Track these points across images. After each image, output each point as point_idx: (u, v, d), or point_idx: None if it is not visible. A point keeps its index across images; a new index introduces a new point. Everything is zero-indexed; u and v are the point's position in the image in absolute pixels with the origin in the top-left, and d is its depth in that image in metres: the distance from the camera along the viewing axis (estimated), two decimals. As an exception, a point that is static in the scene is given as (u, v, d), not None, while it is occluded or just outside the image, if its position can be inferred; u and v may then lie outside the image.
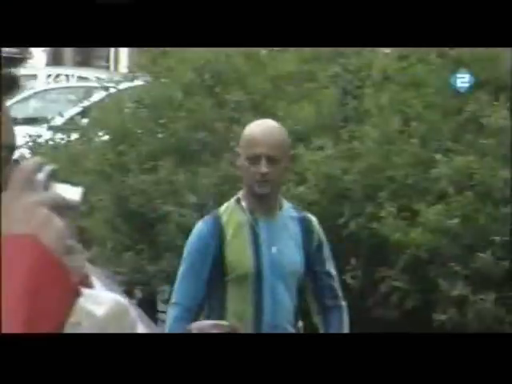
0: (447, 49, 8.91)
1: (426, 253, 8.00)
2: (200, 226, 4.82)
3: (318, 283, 4.85)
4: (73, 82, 24.53)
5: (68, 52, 31.70)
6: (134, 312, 4.96)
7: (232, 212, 4.77)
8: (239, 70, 11.39)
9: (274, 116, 9.41)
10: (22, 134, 11.31)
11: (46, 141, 13.06)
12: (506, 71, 9.17)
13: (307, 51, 11.15)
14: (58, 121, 15.17)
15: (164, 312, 11.29)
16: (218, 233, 4.69)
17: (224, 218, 4.74)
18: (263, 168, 4.55)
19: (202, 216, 9.80)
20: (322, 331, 4.93)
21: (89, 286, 3.77)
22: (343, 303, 4.90)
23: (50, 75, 25.62)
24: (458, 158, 8.45)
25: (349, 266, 8.36)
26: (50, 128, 14.25)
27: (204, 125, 10.75)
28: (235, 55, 11.40)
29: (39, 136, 13.10)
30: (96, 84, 15.69)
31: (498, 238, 7.94)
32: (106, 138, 12.62)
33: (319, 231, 4.88)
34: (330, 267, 4.88)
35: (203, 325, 5.16)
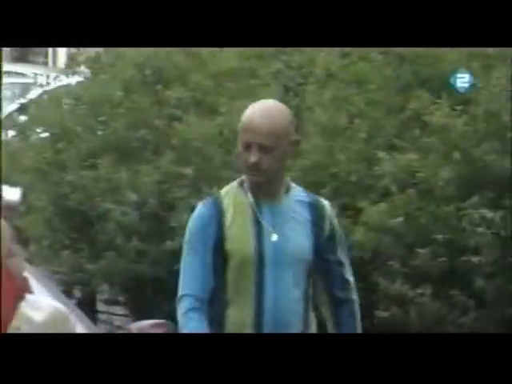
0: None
1: (368, 252, 7.99)
2: (199, 209, 4.51)
3: (328, 273, 4.60)
4: (10, 79, 22.56)
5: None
6: (74, 319, 5.20)
7: (233, 195, 4.50)
8: (180, 66, 11.30)
9: (215, 113, 10.13)
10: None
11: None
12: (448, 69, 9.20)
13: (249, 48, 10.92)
14: (-5, 118, 14.94)
15: (104, 312, 11.89)
16: (218, 216, 4.44)
17: (225, 201, 4.48)
18: (252, 157, 4.27)
19: (141, 215, 10.14)
20: (331, 325, 4.57)
21: (28, 289, 3.35)
22: (355, 297, 4.64)
23: (-16, 71, 24.61)
24: (401, 155, 8.42)
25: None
26: (-15, 125, 13.96)
27: (144, 122, 10.67)
28: (175, 52, 11.32)
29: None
30: (33, 80, 15.90)
31: (439, 237, 7.91)
32: (45, 135, 12.41)
33: (332, 217, 4.58)
34: (342, 256, 4.63)
35: (143, 325, 5.34)
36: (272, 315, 4.42)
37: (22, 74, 23.10)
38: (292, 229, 4.44)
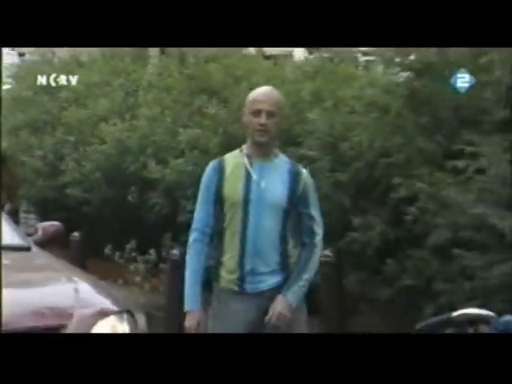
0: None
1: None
2: (209, 166, 5.09)
3: (299, 222, 5.01)
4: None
5: None
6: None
7: (234, 156, 5.07)
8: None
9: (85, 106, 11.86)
10: None
11: None
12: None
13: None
14: None
15: (24, 218, 12.94)
16: (219, 171, 4.99)
17: (227, 161, 5.03)
18: (262, 120, 4.85)
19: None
20: (295, 264, 5.00)
21: None
22: (318, 244, 5.01)
23: None
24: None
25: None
26: None
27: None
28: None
29: None
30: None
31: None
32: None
33: (307, 179, 5.04)
34: (314, 211, 5.02)
35: (45, 224, 6.94)
36: (253, 245, 4.89)
37: None
38: (274, 181, 4.96)
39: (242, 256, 4.87)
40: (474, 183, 6.59)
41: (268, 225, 4.90)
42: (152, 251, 8.48)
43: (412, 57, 7.92)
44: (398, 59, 8.03)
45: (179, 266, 7.36)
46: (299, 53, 13.24)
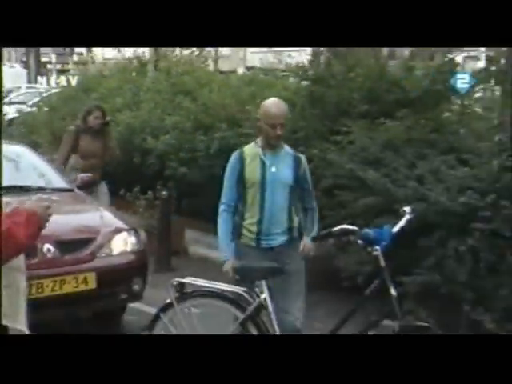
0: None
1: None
2: (233, 156, 4.59)
3: (302, 194, 4.62)
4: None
5: None
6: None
7: (251, 148, 4.57)
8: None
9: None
10: None
11: None
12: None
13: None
14: None
15: None
16: (241, 160, 4.51)
17: (246, 152, 4.54)
18: (278, 131, 4.41)
19: None
20: (302, 223, 4.65)
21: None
22: (315, 206, 4.67)
23: None
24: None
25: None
26: None
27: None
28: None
29: None
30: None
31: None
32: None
33: (305, 163, 4.64)
34: (310, 186, 4.66)
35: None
36: (269, 211, 4.48)
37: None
38: (282, 167, 4.52)
39: (260, 221, 4.49)
40: (347, 150, 6.53)
41: (279, 198, 4.51)
42: (150, 192, 8.25)
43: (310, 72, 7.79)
44: (300, 73, 7.94)
45: (166, 201, 7.96)
46: (241, 69, 13.39)
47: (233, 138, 7.89)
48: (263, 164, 4.49)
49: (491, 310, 4.97)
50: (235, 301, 4.20)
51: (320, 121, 7.13)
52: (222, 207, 4.53)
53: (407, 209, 4.37)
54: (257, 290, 4.15)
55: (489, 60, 7.58)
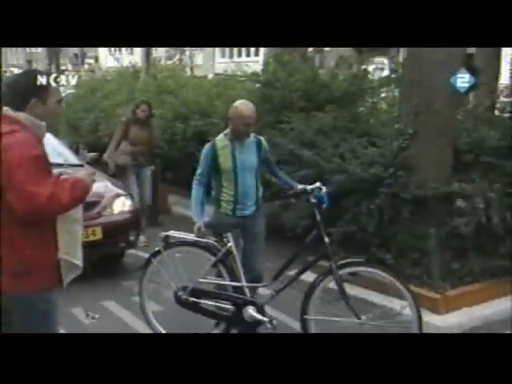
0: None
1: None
2: (207, 146, 4.23)
3: (269, 166, 4.39)
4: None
5: None
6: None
7: (221, 140, 4.20)
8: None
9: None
10: None
11: None
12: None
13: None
14: None
15: None
16: (213, 151, 4.17)
17: (218, 144, 4.18)
18: (249, 129, 4.12)
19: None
20: (278, 181, 4.44)
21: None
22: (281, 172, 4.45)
23: None
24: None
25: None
26: None
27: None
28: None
29: None
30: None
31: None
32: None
33: (265, 143, 4.34)
34: (271, 159, 4.44)
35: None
36: (242, 191, 4.18)
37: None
38: (248, 154, 4.20)
39: (235, 197, 4.21)
40: (288, 135, 6.45)
41: (248, 179, 4.22)
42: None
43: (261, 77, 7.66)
44: (254, 78, 7.81)
45: (155, 173, 7.45)
46: (211, 75, 13.18)
47: (203, 125, 7.76)
48: (233, 155, 4.18)
49: (391, 250, 5.07)
50: (208, 248, 4.11)
51: (269, 114, 6.99)
52: (195, 180, 4.27)
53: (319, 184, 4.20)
54: (224, 240, 4.07)
55: (391, 70, 7.50)
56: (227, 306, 4.00)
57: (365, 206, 5.13)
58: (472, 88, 7.12)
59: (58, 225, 2.49)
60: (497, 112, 6.46)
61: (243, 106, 4.15)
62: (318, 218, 3.95)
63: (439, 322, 4.07)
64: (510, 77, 9.65)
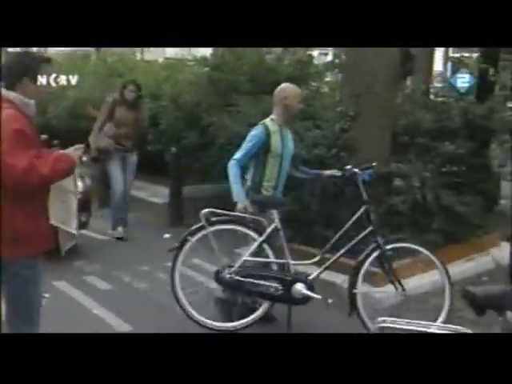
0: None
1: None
2: (259, 129, 4.11)
3: (295, 160, 4.36)
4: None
5: None
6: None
7: (272, 124, 4.10)
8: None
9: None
10: None
11: None
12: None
13: None
14: None
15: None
16: (267, 133, 4.06)
17: (269, 127, 4.09)
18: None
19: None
20: (301, 173, 4.43)
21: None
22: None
23: None
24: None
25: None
26: None
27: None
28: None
29: None
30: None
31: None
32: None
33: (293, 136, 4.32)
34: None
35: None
36: (282, 177, 4.17)
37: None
38: (290, 141, 4.22)
39: (275, 186, 4.15)
40: (236, 117, 6.42)
41: (287, 166, 4.22)
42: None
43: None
44: (203, 62, 7.68)
45: None
46: (161, 59, 12.83)
47: (152, 108, 7.48)
48: (282, 139, 4.11)
49: (334, 227, 5.13)
50: (255, 226, 3.97)
51: (217, 96, 6.94)
52: (234, 161, 4.03)
53: None
54: (271, 217, 3.94)
55: (335, 55, 7.66)
56: (275, 285, 3.88)
57: (308, 186, 5.14)
58: (409, 73, 7.25)
59: (53, 195, 2.58)
60: (432, 96, 6.78)
61: (291, 86, 4.14)
62: (365, 196, 4.00)
63: (377, 294, 4.28)
64: (442, 63, 10.17)
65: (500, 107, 5.87)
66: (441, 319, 3.87)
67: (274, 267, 3.98)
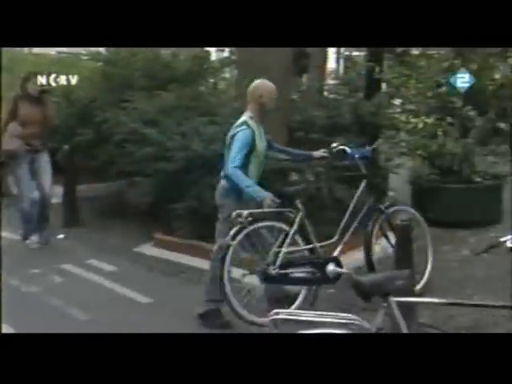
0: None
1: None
2: (246, 132, 3.96)
3: (274, 146, 4.28)
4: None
5: None
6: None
7: (252, 123, 3.99)
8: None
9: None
10: None
11: None
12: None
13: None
14: None
15: None
16: (253, 135, 3.95)
17: (252, 127, 3.99)
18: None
19: None
20: (290, 155, 4.46)
21: None
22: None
23: None
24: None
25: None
26: None
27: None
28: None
29: None
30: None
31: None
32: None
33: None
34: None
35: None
36: (259, 177, 4.08)
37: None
38: (263, 134, 4.13)
39: (258, 175, 4.08)
40: (132, 114, 6.16)
41: (265, 160, 4.16)
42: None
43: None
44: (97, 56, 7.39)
45: None
46: (53, 52, 11.95)
47: None
48: (261, 136, 4.07)
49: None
50: (285, 219, 4.05)
51: (112, 92, 6.77)
52: (234, 169, 3.92)
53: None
54: (299, 206, 4.06)
55: (231, 52, 7.69)
56: (311, 269, 4.04)
57: (207, 182, 5.16)
58: (305, 71, 7.57)
59: None
60: (325, 93, 6.86)
61: (266, 82, 4.10)
62: (364, 170, 4.35)
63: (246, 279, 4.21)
64: (335, 61, 10.26)
65: (386, 104, 6.16)
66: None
67: (306, 253, 4.16)
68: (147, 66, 6.87)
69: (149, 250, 5.52)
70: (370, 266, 4.27)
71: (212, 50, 8.19)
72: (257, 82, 4.14)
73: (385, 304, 2.15)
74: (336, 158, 4.42)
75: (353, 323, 2.12)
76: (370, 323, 2.11)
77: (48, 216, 5.79)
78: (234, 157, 3.94)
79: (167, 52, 7.59)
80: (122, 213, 6.46)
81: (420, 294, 3.99)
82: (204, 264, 5.00)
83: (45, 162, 5.70)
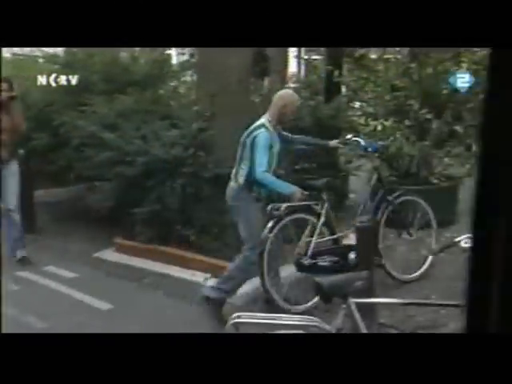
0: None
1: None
2: (266, 134, 4.03)
3: (286, 138, 4.35)
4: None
5: None
6: None
7: (268, 126, 4.05)
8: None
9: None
10: None
11: None
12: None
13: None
14: None
15: None
16: (271, 137, 4.04)
17: (270, 130, 4.07)
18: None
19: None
20: (299, 143, 4.57)
21: None
22: None
23: None
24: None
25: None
26: None
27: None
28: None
29: None
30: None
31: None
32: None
33: None
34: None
35: None
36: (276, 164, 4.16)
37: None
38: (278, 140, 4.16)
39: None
40: (90, 117, 6.06)
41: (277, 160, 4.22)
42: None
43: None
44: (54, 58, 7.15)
45: None
46: (8, 54, 11.75)
47: None
48: (275, 139, 4.12)
49: (194, 226, 5.19)
50: (313, 211, 4.23)
51: (68, 95, 6.61)
52: (263, 172, 3.97)
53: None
54: (324, 197, 4.25)
55: (190, 55, 7.69)
56: (336, 258, 4.19)
57: (168, 186, 5.24)
58: (266, 74, 7.53)
59: None
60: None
61: (290, 92, 4.32)
62: (376, 163, 4.59)
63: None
64: (296, 65, 10.57)
65: (345, 107, 6.23)
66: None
67: (329, 243, 4.35)
68: (105, 69, 6.76)
69: (110, 255, 5.49)
70: (377, 254, 4.32)
71: (173, 53, 8.08)
72: (281, 91, 4.30)
73: (344, 305, 2.18)
74: (350, 149, 4.63)
75: (313, 325, 2.14)
76: (331, 324, 2.13)
77: (21, 230, 5.52)
78: (260, 161, 4.01)
79: (126, 55, 7.51)
80: (81, 218, 6.37)
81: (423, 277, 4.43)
82: (165, 269, 5.02)
83: (12, 172, 5.37)
